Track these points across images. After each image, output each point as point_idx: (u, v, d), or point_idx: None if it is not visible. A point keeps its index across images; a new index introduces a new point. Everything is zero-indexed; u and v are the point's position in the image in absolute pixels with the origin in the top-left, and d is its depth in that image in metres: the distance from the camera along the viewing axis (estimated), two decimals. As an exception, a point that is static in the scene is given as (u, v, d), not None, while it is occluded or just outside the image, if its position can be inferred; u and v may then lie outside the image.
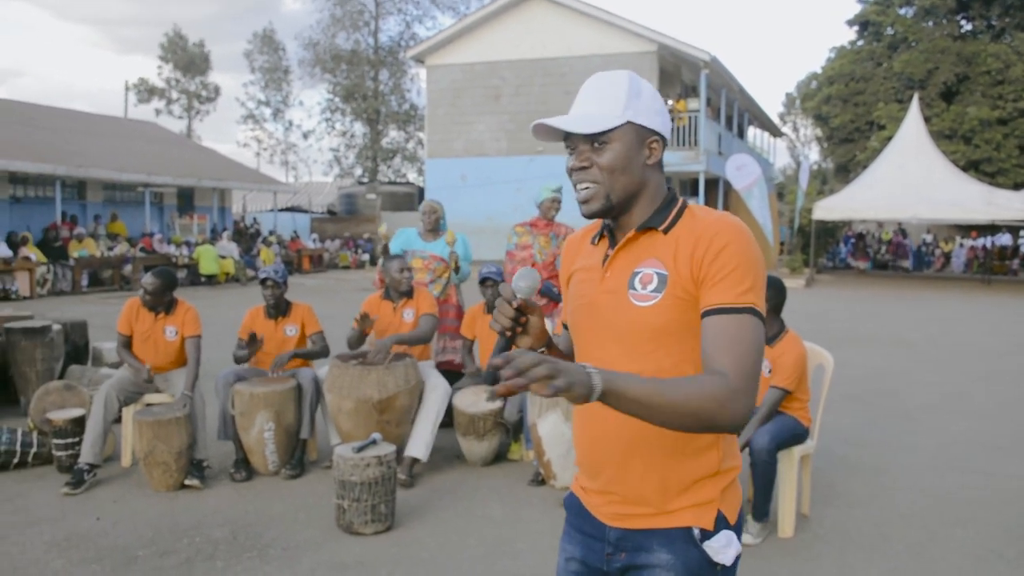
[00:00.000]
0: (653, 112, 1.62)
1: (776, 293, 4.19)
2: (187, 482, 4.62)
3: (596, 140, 1.59)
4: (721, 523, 1.61)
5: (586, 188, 1.61)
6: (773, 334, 4.19)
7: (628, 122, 1.58)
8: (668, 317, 1.55)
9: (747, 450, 4.03)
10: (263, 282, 5.14)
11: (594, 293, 1.66)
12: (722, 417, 1.40)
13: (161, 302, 4.99)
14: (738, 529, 1.65)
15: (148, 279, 4.96)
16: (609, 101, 1.59)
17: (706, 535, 1.59)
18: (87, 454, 4.62)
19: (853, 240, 28.61)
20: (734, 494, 1.65)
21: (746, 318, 1.48)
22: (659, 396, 1.36)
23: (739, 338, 1.46)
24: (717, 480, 1.62)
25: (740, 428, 1.45)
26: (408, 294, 5.25)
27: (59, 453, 4.82)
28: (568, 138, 1.61)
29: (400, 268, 5.19)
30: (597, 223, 1.75)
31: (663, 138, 1.64)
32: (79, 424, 4.83)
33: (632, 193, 1.62)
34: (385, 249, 5.85)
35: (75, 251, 16.50)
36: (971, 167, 27.39)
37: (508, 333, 1.62)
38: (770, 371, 4.17)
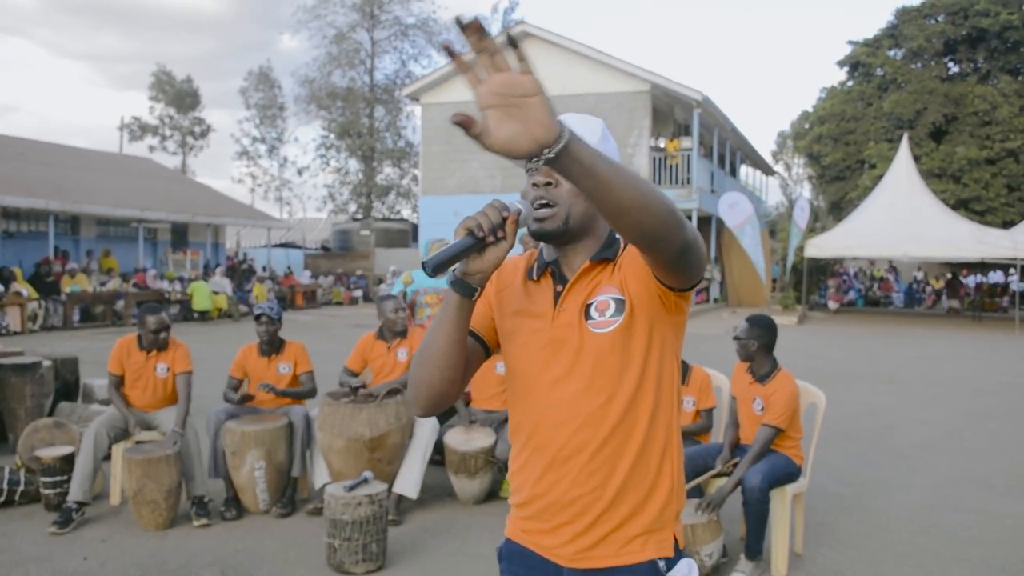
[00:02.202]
0: (612, 152, 1.64)
1: (767, 332, 4.20)
2: (196, 523, 4.58)
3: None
4: (676, 549, 1.64)
5: (546, 206, 1.58)
6: (765, 372, 4.20)
7: None
8: (629, 337, 1.58)
9: (740, 488, 4.01)
10: (257, 318, 5.13)
11: (548, 333, 1.62)
12: (678, 219, 1.33)
13: (159, 340, 4.99)
14: (685, 551, 1.69)
15: (154, 319, 4.94)
16: (586, 133, 1.57)
17: (669, 564, 1.61)
18: (76, 492, 4.58)
19: (846, 278, 28.76)
20: (679, 519, 1.68)
21: None
22: (623, 169, 1.26)
23: None
24: (671, 507, 1.63)
25: (682, 245, 1.38)
26: (402, 334, 5.27)
27: (47, 491, 4.77)
28: (533, 159, 1.56)
29: (395, 308, 5.21)
30: (529, 256, 1.73)
31: None
32: (68, 462, 4.79)
33: (585, 223, 1.62)
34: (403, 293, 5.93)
35: (67, 286, 16.45)
36: (961, 206, 27.59)
37: (480, 234, 1.43)
38: (762, 409, 4.17)
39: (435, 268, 1.38)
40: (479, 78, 1.17)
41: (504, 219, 1.45)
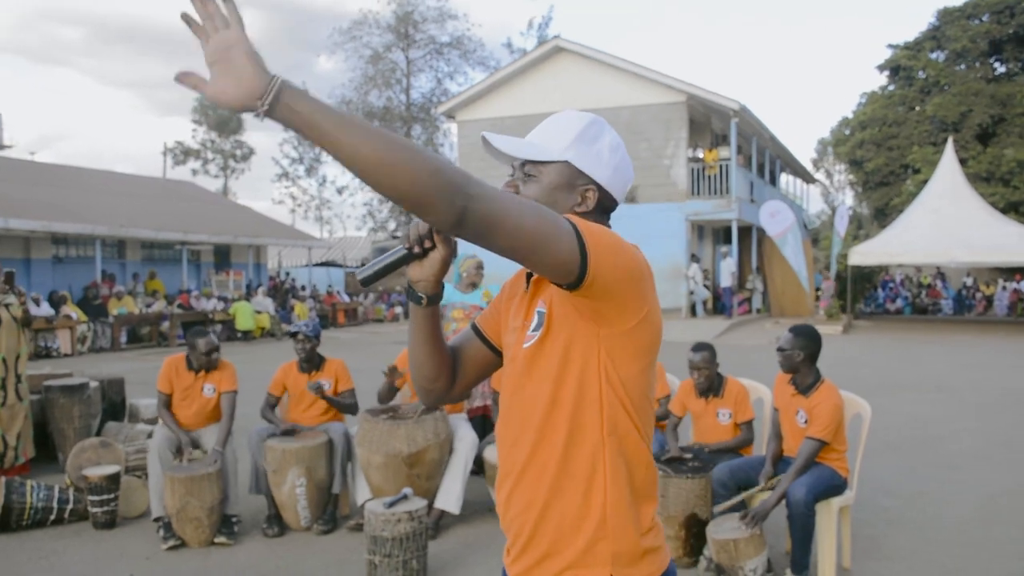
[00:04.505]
0: (600, 162, 1.56)
1: (811, 342, 4.13)
2: (217, 539, 4.62)
3: (528, 170, 1.55)
4: None
5: None
6: (808, 384, 4.13)
7: (565, 162, 1.54)
8: (540, 355, 1.49)
9: (785, 502, 3.94)
10: (294, 336, 5.18)
11: (512, 349, 1.59)
12: (442, 181, 1.20)
13: (211, 362, 5.07)
14: None
15: (204, 342, 5.03)
16: (557, 136, 1.55)
17: None
18: (156, 509, 4.68)
19: (891, 286, 28.26)
20: (623, 564, 1.47)
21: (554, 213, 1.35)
22: (361, 124, 1.20)
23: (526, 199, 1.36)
24: (602, 545, 1.46)
25: (459, 214, 1.23)
26: None
27: (95, 509, 4.84)
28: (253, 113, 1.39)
29: None
30: None
31: (603, 191, 1.57)
32: (114, 481, 4.87)
33: None
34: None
35: (114, 308, 16.78)
36: (1011, 209, 27.02)
37: (409, 248, 1.47)
38: (806, 421, 4.10)
39: (364, 281, 1.42)
40: (206, 37, 1.21)
41: (430, 229, 1.46)
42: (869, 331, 19.83)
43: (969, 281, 29.93)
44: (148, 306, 18.00)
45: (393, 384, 5.08)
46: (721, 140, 24.09)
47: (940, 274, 29.48)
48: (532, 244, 1.29)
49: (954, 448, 7.12)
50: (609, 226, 1.55)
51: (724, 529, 3.93)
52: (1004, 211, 24.76)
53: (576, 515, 1.46)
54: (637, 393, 1.49)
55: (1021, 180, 28.35)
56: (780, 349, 4.16)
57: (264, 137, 70.65)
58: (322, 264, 32.19)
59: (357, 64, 37.38)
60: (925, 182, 24.36)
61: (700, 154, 22.81)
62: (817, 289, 22.65)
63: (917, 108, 31.85)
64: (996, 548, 4.58)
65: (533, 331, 1.51)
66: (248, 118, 40.64)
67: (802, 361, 4.11)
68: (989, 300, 27.67)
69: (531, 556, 1.50)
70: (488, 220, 1.25)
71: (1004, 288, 26.20)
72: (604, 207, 1.59)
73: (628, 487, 1.48)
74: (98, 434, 6.20)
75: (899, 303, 27.62)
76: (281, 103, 1.17)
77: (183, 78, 1.20)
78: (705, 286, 21.73)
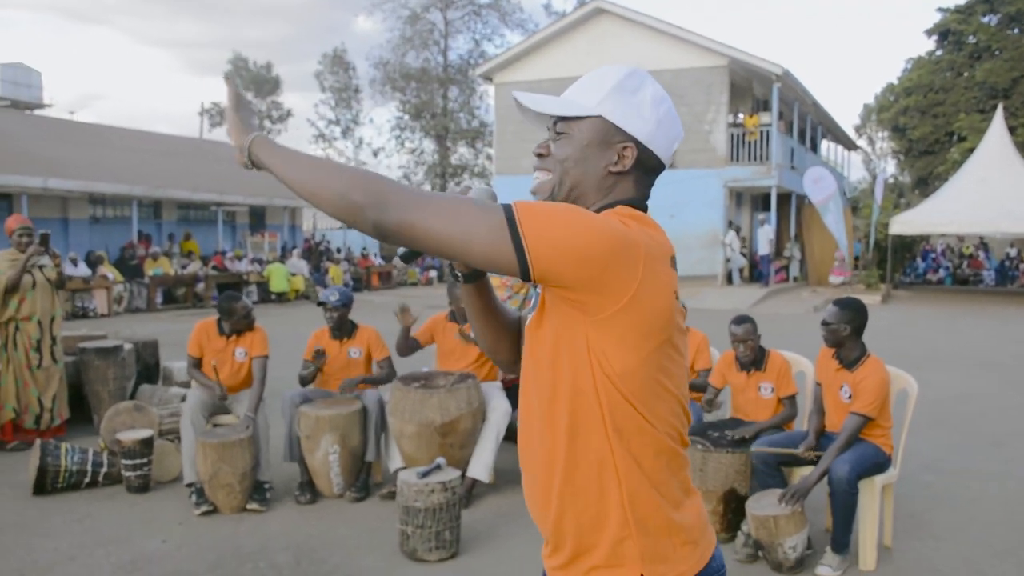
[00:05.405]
0: (639, 116, 1.42)
1: (858, 315, 3.98)
2: (248, 506, 4.60)
3: (559, 128, 1.45)
4: None
5: (536, 178, 1.49)
6: (854, 358, 3.99)
7: (599, 116, 1.42)
8: (536, 338, 1.40)
9: (827, 479, 3.83)
10: (322, 305, 5.13)
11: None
12: (350, 203, 1.27)
13: (247, 325, 5.04)
14: None
15: (240, 306, 5.01)
16: (592, 90, 1.44)
17: None
18: (189, 475, 4.68)
19: (933, 256, 27.70)
20: (658, 562, 1.38)
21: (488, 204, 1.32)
22: (307, 166, 1.35)
23: (457, 198, 1.31)
24: (629, 543, 1.37)
25: (375, 226, 1.27)
26: None
27: (128, 473, 4.85)
28: (549, 125, 1.49)
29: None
30: None
31: (643, 148, 1.43)
32: (148, 445, 4.87)
33: (579, 194, 1.44)
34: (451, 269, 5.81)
35: (150, 269, 16.92)
36: (1059, 179, 26.24)
37: None
38: (850, 397, 3.97)
39: (404, 257, 1.43)
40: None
41: None
42: (908, 301, 19.45)
43: (1013, 252, 29.24)
44: (183, 267, 18.13)
45: (408, 331, 5.07)
46: (762, 105, 23.60)
47: (983, 244, 28.83)
48: (452, 248, 1.27)
49: (999, 425, 6.94)
50: (649, 187, 1.47)
51: (764, 505, 3.83)
52: (1053, 181, 24.03)
53: (595, 514, 1.37)
54: (643, 386, 1.34)
55: (1071, 149, 27.56)
56: (825, 323, 4.01)
57: (301, 99, 70.82)
58: (357, 227, 32.20)
59: (395, 24, 37.19)
60: (971, 150, 23.75)
61: (740, 119, 22.36)
62: (856, 258, 22.24)
63: (965, 74, 30.99)
64: (1045, 530, 4.44)
65: (530, 311, 1.44)
66: (286, 78, 40.51)
67: (848, 335, 3.97)
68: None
69: (563, 555, 1.43)
70: (403, 230, 1.27)
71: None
72: (647, 167, 1.45)
73: (647, 482, 1.37)
74: (132, 397, 6.23)
75: (940, 273, 27.08)
76: (256, 158, 1.43)
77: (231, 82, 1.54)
78: (742, 254, 21.44)
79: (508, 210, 1.26)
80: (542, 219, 1.25)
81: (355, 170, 1.31)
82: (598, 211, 1.39)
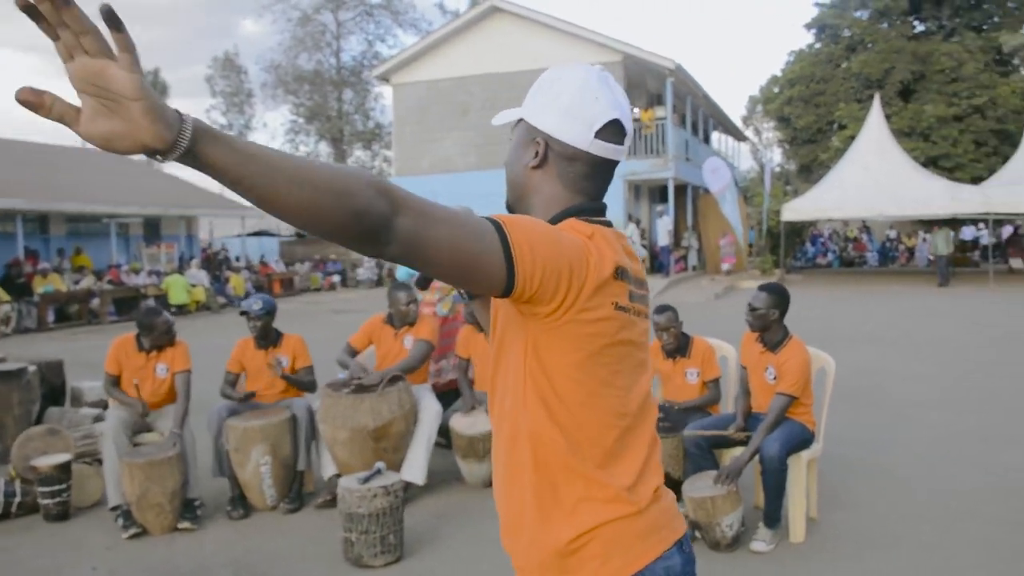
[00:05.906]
0: (545, 110, 1.44)
1: (784, 300, 4.18)
2: (180, 525, 4.47)
3: (510, 136, 1.55)
4: None
5: None
6: (778, 340, 4.17)
7: (521, 119, 1.49)
8: (495, 329, 1.43)
9: (758, 457, 3.99)
10: (244, 314, 5.03)
11: None
12: (359, 191, 1.04)
13: (168, 340, 4.87)
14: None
15: (162, 321, 4.82)
16: (527, 96, 1.51)
17: None
18: (113, 498, 4.48)
19: (821, 240, 28.94)
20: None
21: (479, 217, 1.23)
22: (287, 157, 1.03)
23: (455, 211, 1.19)
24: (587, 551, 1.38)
25: (368, 251, 1.10)
26: (412, 323, 5.17)
27: (46, 501, 4.63)
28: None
29: (407, 300, 5.10)
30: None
31: (553, 139, 1.43)
32: (65, 470, 4.66)
33: (517, 196, 1.50)
34: (390, 274, 5.78)
35: (40, 287, 16.11)
36: (930, 163, 27.77)
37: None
38: (775, 378, 4.14)
39: (419, 283, 1.47)
40: (70, 53, 0.93)
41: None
42: (801, 285, 20.26)
43: (892, 234, 30.86)
44: (76, 283, 17.34)
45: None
46: (656, 100, 24.17)
47: (865, 228, 30.31)
48: (461, 265, 1.17)
49: (899, 396, 7.32)
50: (589, 180, 1.44)
51: (699, 487, 3.96)
52: (924, 165, 25.43)
53: (518, 513, 1.43)
54: (572, 391, 1.33)
55: (939, 135, 29.19)
56: (753, 308, 4.17)
57: (191, 104, 68.58)
58: (255, 234, 31.46)
59: (285, 27, 36.55)
60: (851, 138, 24.88)
61: (636, 114, 22.84)
62: (750, 245, 23.03)
63: (843, 65, 32.41)
64: (953, 489, 4.72)
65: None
66: (173, 84, 39.25)
67: (776, 320, 4.15)
68: (911, 251, 28.62)
69: (521, 549, 1.47)
70: (413, 249, 1.12)
71: (924, 240, 27.04)
72: (565, 156, 1.43)
73: (549, 494, 1.38)
74: (39, 421, 5.94)
75: (829, 257, 28.33)
76: (192, 156, 0.97)
77: (25, 97, 0.93)
78: (643, 245, 21.91)
79: (498, 227, 1.20)
80: (525, 235, 1.21)
81: (360, 170, 1.11)
82: (553, 223, 1.37)
